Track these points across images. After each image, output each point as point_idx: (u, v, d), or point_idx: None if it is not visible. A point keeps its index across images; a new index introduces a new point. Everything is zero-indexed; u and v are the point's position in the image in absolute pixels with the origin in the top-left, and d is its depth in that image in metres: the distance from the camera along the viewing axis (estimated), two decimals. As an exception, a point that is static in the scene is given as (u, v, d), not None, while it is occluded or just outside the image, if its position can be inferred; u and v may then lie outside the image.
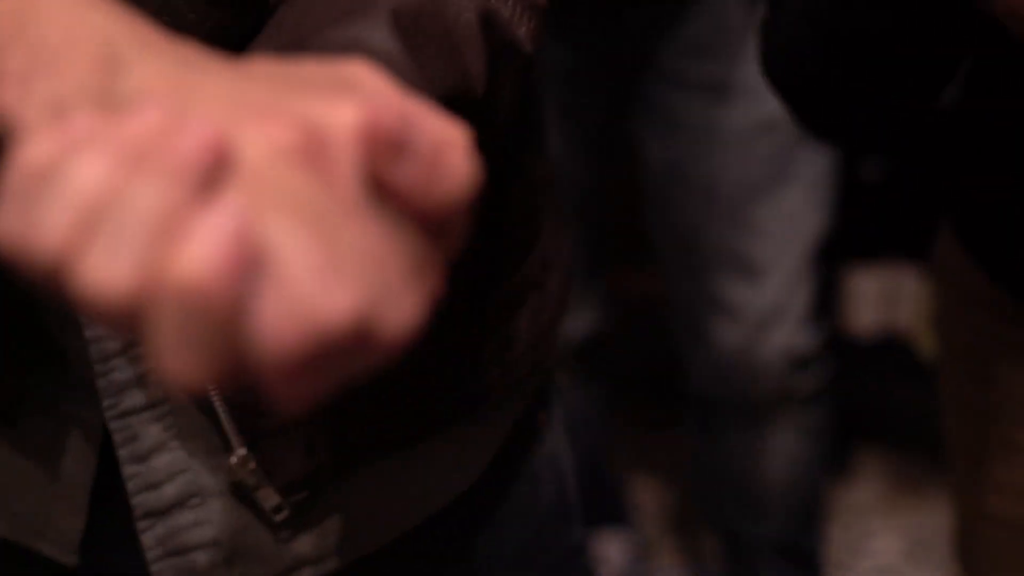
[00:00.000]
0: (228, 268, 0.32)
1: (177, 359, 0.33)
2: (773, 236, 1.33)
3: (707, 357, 1.40)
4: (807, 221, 1.33)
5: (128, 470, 0.64)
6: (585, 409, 1.58)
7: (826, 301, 1.40)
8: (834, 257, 1.40)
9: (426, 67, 0.51)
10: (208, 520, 0.65)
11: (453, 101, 0.51)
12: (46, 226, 0.34)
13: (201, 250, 0.32)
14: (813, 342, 1.38)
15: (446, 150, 0.37)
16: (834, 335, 1.41)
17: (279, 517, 0.65)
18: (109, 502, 0.66)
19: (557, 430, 0.79)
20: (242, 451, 0.63)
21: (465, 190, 0.37)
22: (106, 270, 0.33)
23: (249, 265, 0.33)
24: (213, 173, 0.34)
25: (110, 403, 0.63)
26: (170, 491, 0.65)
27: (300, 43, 0.50)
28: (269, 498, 0.65)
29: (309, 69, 0.40)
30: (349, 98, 0.37)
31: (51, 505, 0.67)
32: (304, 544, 0.67)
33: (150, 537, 0.65)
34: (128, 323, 0.33)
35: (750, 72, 1.24)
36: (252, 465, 0.64)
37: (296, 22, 0.52)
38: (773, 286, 1.34)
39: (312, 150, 0.36)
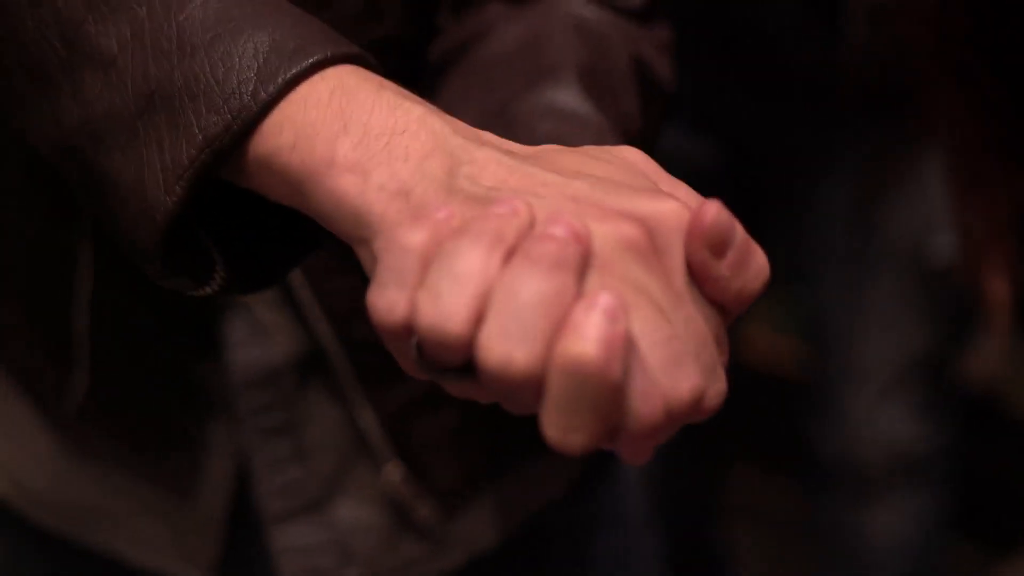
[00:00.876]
0: (613, 350, 0.37)
1: (566, 424, 0.37)
2: (875, 344, 1.39)
3: (819, 437, 1.45)
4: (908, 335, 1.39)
5: (261, 481, 0.68)
6: (695, 474, 1.62)
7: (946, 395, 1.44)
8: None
9: (606, 116, 0.56)
10: (339, 523, 0.69)
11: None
12: (447, 309, 0.37)
13: (592, 333, 0.36)
14: (921, 435, 1.41)
15: (752, 244, 0.41)
16: (953, 421, 1.44)
17: (430, 524, 0.69)
18: (246, 523, 0.70)
19: None
20: (396, 464, 0.68)
21: (765, 281, 0.42)
22: (508, 350, 0.37)
23: (625, 347, 0.37)
24: (583, 261, 0.38)
25: (248, 424, 0.67)
26: (302, 496, 0.68)
27: (502, 109, 0.55)
28: (422, 508, 0.69)
29: (599, 155, 0.44)
30: (669, 195, 0.42)
31: (189, 531, 0.70)
32: (435, 543, 0.71)
33: (279, 542, 0.69)
34: (525, 392, 0.38)
35: None
36: (407, 478, 0.68)
37: (485, 89, 0.57)
38: (873, 390, 1.39)
39: (651, 244, 0.40)
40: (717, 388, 0.40)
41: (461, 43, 0.60)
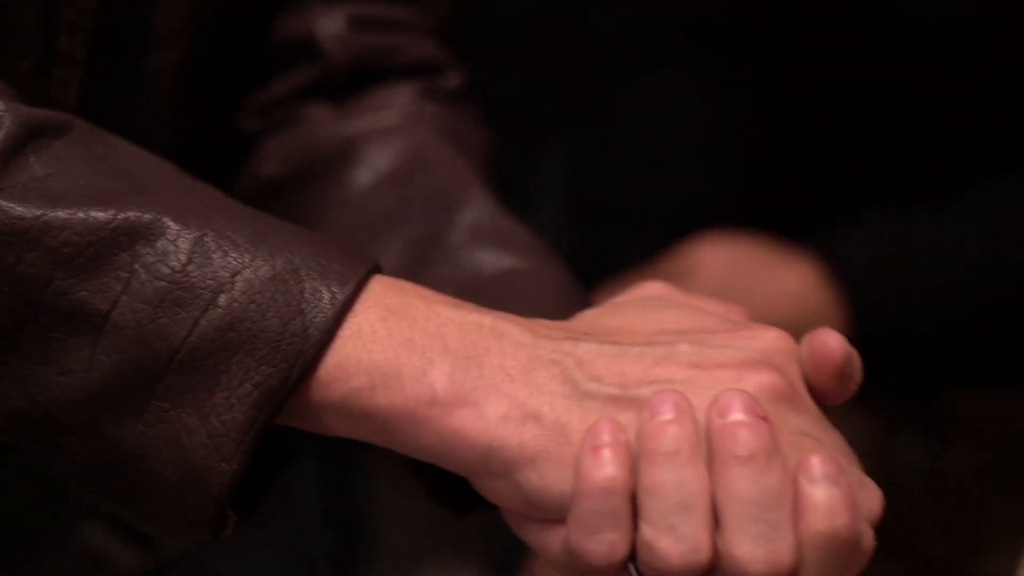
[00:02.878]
0: (855, 509, 0.38)
1: None
2: None
3: None
4: None
5: None
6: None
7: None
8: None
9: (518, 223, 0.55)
10: None
11: None
12: (690, 543, 0.38)
13: (834, 505, 0.38)
14: None
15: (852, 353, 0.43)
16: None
17: None
18: None
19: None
20: None
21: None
22: (767, 553, 0.38)
23: (855, 498, 0.39)
24: (776, 436, 0.39)
25: None
26: None
27: (436, 238, 0.52)
28: None
29: (641, 305, 0.45)
30: (756, 324, 0.44)
31: None
32: None
33: None
34: None
35: None
36: None
37: (392, 216, 0.53)
38: None
39: (790, 384, 0.41)
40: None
41: (302, 170, 0.56)
